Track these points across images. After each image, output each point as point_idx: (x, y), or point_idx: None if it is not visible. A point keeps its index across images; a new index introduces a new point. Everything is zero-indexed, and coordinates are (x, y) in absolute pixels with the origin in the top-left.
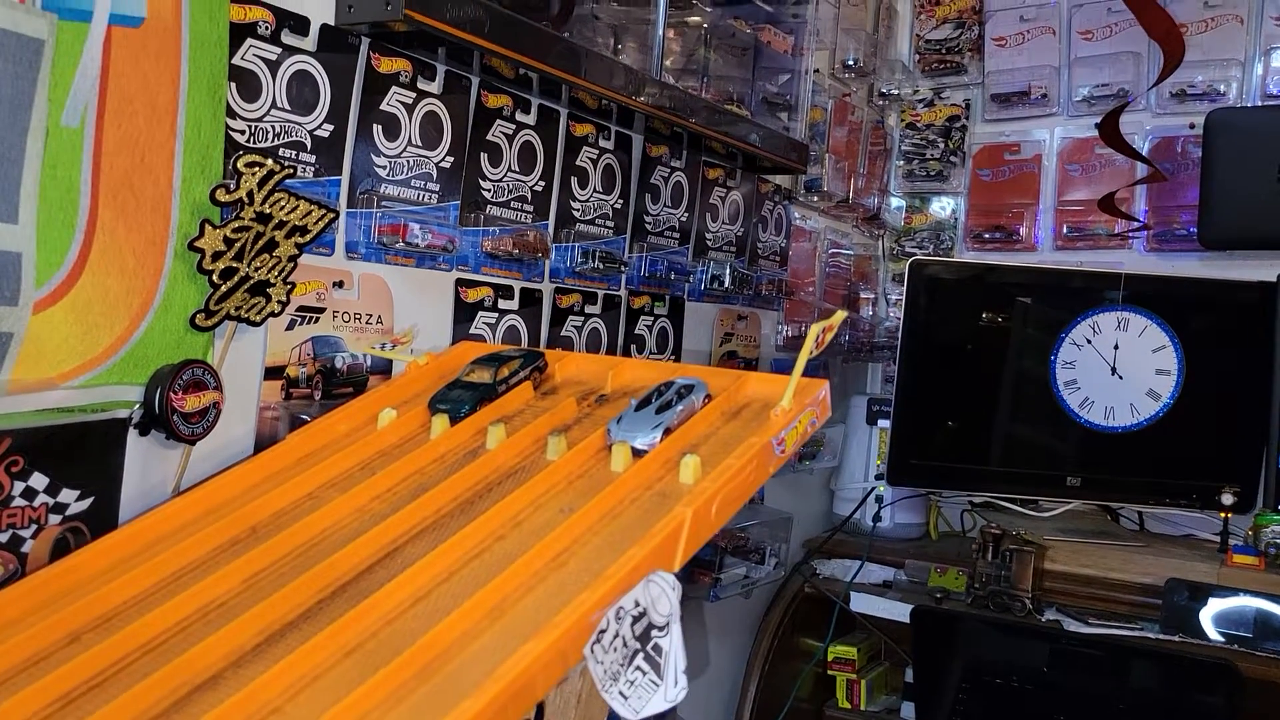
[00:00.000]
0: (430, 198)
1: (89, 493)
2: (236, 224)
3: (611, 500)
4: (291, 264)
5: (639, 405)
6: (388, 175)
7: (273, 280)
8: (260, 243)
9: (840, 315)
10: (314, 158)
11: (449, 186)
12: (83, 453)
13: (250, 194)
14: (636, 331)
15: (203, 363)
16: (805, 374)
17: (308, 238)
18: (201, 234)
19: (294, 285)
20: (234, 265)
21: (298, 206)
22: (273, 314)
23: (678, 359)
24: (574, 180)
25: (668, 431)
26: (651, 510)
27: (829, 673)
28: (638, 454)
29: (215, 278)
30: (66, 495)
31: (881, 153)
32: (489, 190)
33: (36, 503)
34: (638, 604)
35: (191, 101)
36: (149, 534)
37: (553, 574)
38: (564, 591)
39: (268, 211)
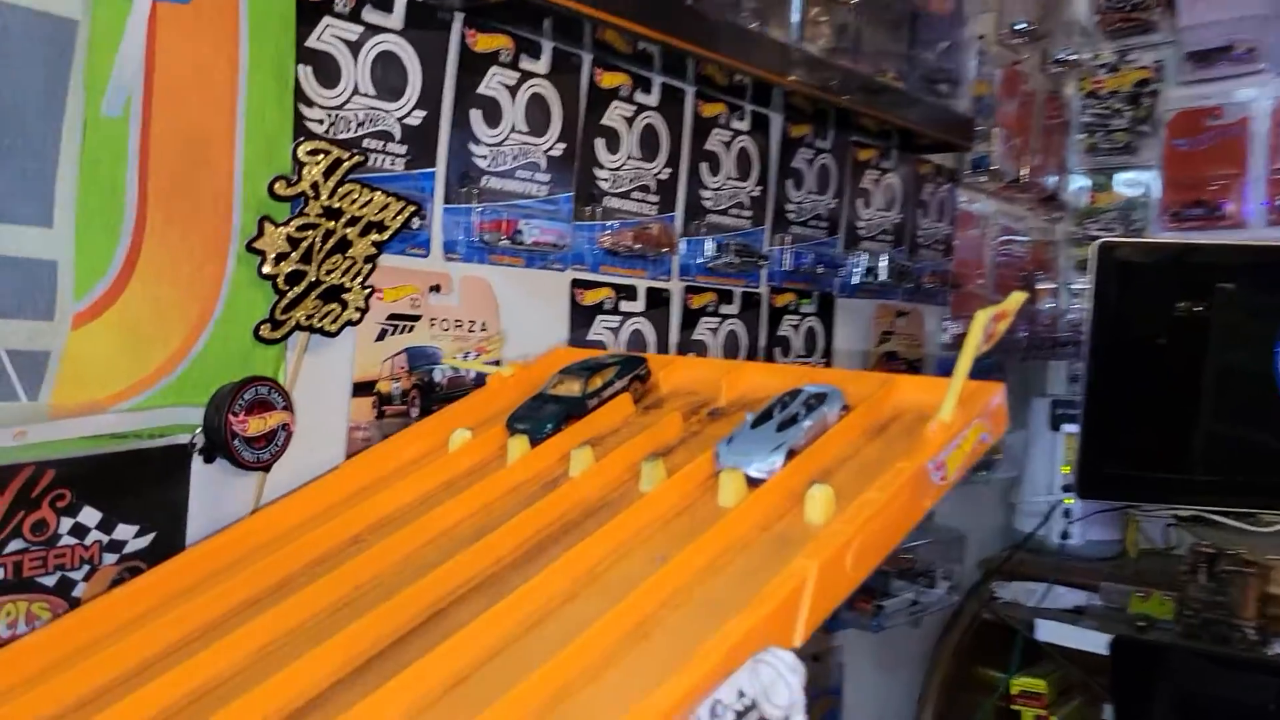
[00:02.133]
0: (539, 190)
1: (149, 528)
2: (301, 221)
3: (716, 545)
4: (369, 265)
5: (757, 420)
6: (489, 166)
7: (348, 284)
8: (331, 242)
9: (1017, 298)
10: (404, 148)
11: (560, 177)
12: (139, 484)
13: (315, 186)
14: (780, 333)
15: (269, 380)
16: (973, 375)
17: (386, 234)
18: (260, 233)
19: (373, 290)
20: (301, 268)
21: (372, 199)
22: (350, 322)
23: (829, 363)
24: (704, 166)
25: (791, 454)
26: (768, 560)
27: (1013, 708)
28: (753, 483)
29: (280, 283)
30: (123, 531)
31: (1059, 126)
32: (606, 180)
33: (88, 541)
34: (743, 694)
35: (253, 86)
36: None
37: (630, 651)
38: (641, 677)
39: (337, 206)
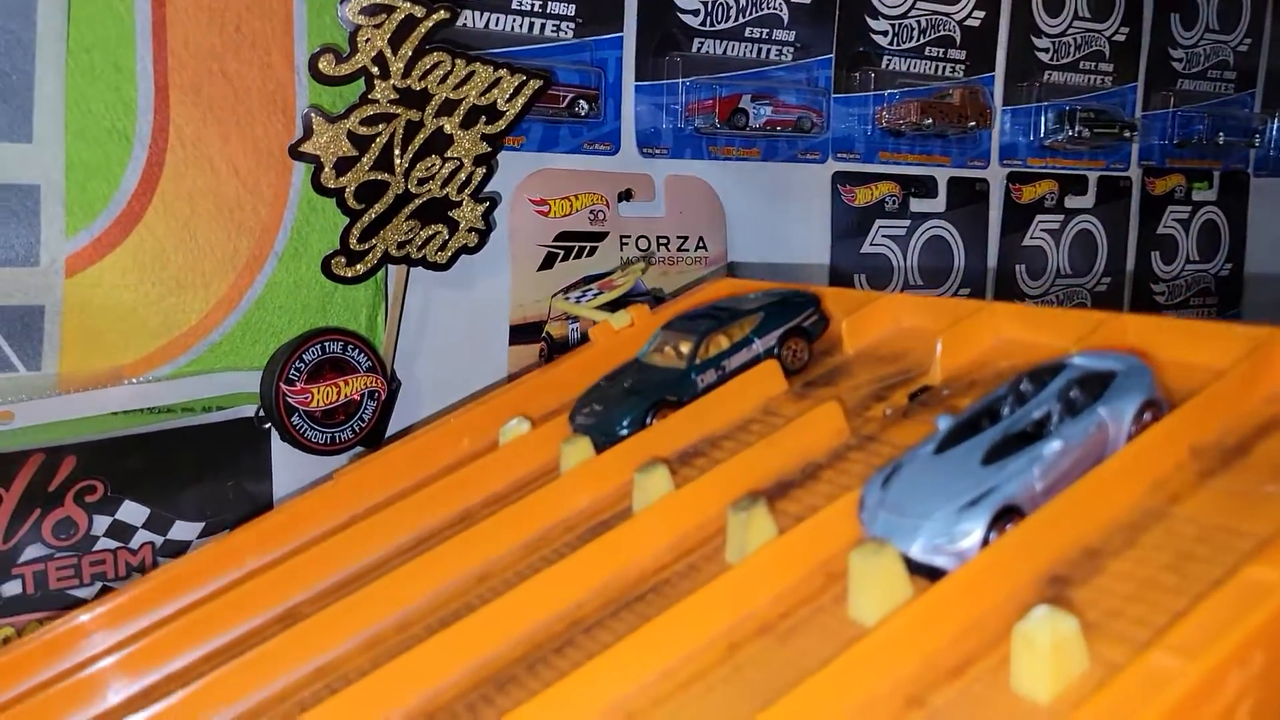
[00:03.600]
0: (781, 54)
1: (219, 525)
2: (368, 111)
3: None
4: (482, 170)
5: (954, 433)
6: (703, 24)
7: (454, 196)
8: (419, 138)
9: None
10: (571, 8)
11: (812, 34)
12: (197, 470)
13: (380, 59)
14: (1161, 231)
15: (345, 332)
16: None
17: (502, 124)
18: (308, 133)
19: (493, 201)
20: (378, 177)
21: (473, 73)
22: (466, 249)
23: (1238, 267)
24: (1037, 3)
25: (1008, 515)
26: None
27: None
28: (924, 573)
29: (349, 200)
30: (182, 530)
31: None
32: (885, 34)
33: (135, 543)
34: None
35: None
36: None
37: None
38: None
39: (420, 87)
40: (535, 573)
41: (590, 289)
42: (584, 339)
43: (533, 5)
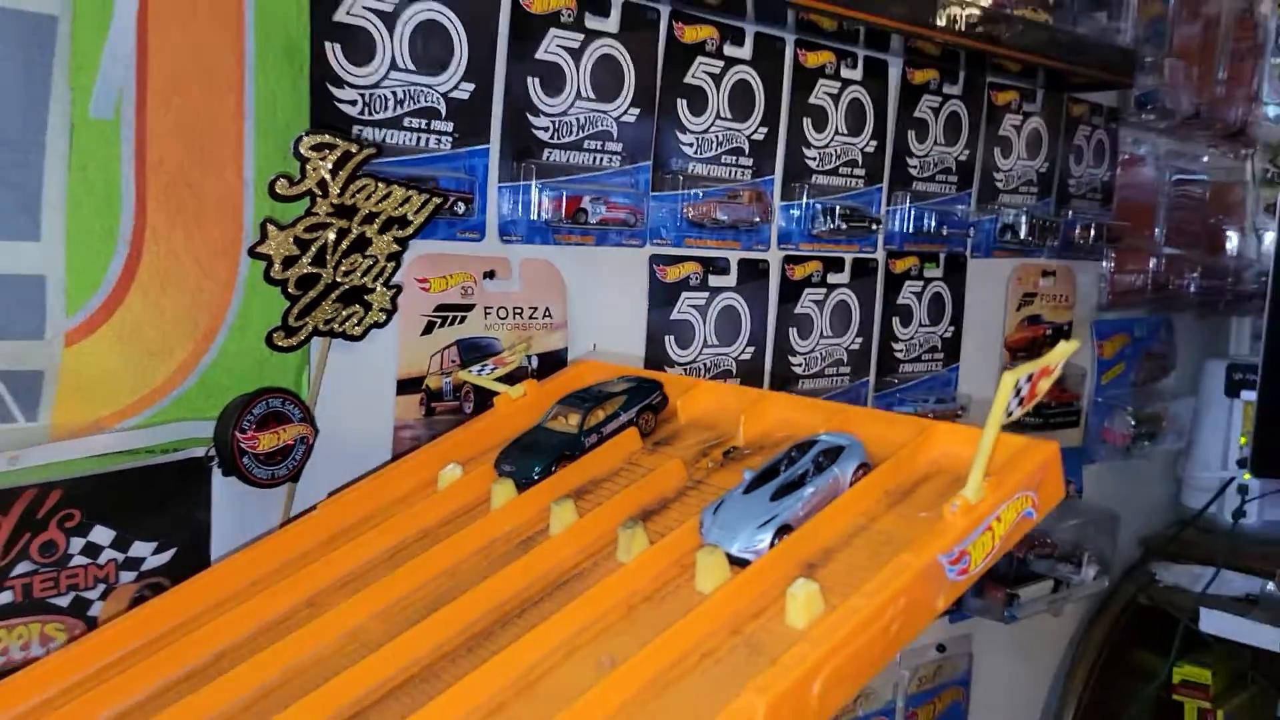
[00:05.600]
0: (611, 161)
1: (169, 544)
2: (310, 221)
3: (675, 648)
4: (393, 264)
5: (754, 482)
6: (551, 138)
7: (370, 285)
8: (346, 241)
9: (1064, 350)
10: (450, 125)
11: (636, 145)
12: (155, 500)
13: (322, 184)
14: (900, 301)
15: (282, 391)
16: (1103, 334)
17: (410, 230)
18: (264, 237)
19: (399, 288)
20: (314, 271)
21: (391, 193)
22: (376, 324)
23: (958, 330)
24: (807, 123)
25: (785, 530)
26: (727, 678)
27: (1174, 698)
28: (739, 564)
29: (290, 288)
30: (140, 549)
31: (1250, 50)
32: (691, 146)
33: (102, 560)
34: None
35: (262, 73)
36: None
37: None
38: None
39: (350, 203)
40: (457, 597)
41: (487, 364)
42: (455, 391)
43: (418, 124)
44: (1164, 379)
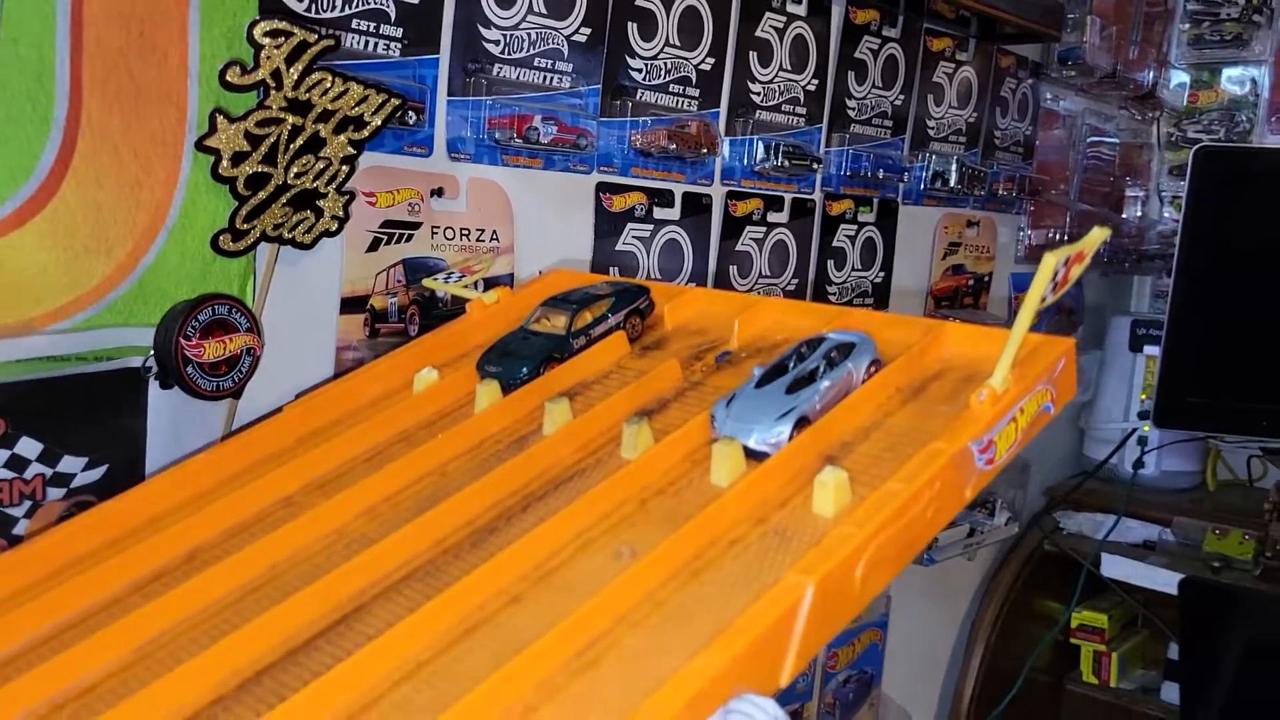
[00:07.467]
0: (561, 81)
1: (100, 460)
2: (262, 115)
3: (699, 540)
4: (347, 168)
5: (765, 377)
6: (502, 52)
7: (323, 189)
8: (299, 140)
9: (1097, 235)
10: (399, 30)
11: (586, 67)
12: (86, 412)
13: (276, 74)
14: (835, 244)
15: (229, 298)
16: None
17: (366, 132)
18: (213, 129)
19: (352, 195)
20: (264, 170)
21: (348, 90)
22: (327, 233)
23: (888, 276)
24: (753, 56)
25: (803, 422)
26: (760, 565)
27: (1072, 641)
28: (755, 457)
29: (240, 187)
30: (69, 464)
31: (1161, 14)
32: (640, 71)
33: (29, 474)
34: None
35: None
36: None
37: (571, 684)
38: None
39: (305, 98)
40: (468, 483)
41: (454, 272)
42: (401, 312)
43: (367, 26)
44: (1072, 334)
